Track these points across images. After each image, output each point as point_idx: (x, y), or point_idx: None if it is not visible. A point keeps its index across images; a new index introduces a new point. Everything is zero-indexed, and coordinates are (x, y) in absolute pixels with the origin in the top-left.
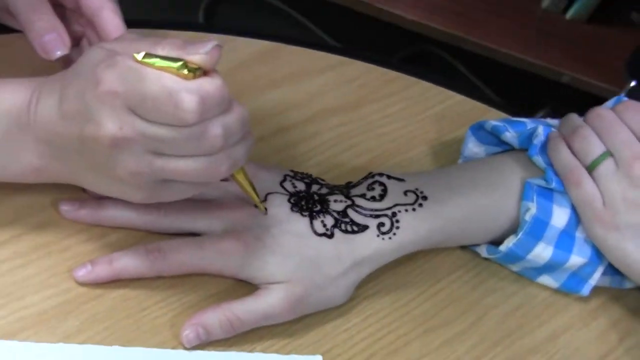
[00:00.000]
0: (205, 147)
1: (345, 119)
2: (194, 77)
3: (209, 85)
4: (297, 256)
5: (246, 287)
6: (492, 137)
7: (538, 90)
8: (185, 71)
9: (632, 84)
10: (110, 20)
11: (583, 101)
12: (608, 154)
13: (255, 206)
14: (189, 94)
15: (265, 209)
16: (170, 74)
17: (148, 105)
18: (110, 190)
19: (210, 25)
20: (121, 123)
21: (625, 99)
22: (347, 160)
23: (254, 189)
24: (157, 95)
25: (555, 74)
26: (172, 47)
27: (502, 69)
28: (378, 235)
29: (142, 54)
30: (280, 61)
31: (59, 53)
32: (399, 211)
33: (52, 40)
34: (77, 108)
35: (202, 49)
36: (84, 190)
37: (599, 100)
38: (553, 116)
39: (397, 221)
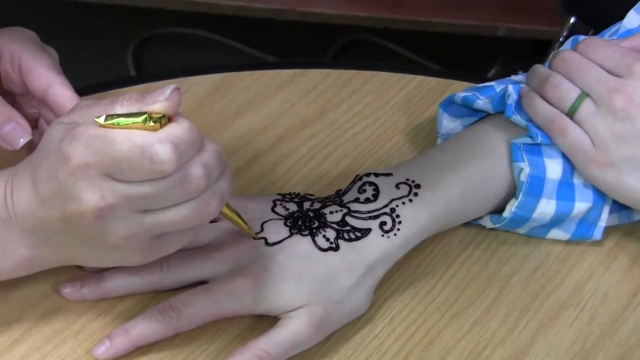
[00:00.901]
0: (190, 190)
1: (314, 130)
2: (161, 126)
3: (178, 130)
4: (309, 277)
5: (266, 320)
6: (465, 109)
7: (481, 51)
8: (151, 123)
9: (572, 20)
10: (61, 93)
11: (530, 49)
12: (584, 95)
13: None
14: (161, 144)
15: (255, 233)
16: (136, 129)
17: (123, 166)
18: (107, 261)
19: (147, 74)
20: (102, 192)
21: (582, 37)
22: (327, 170)
23: (240, 217)
24: (129, 155)
25: (491, 29)
26: (130, 102)
27: (437, 39)
28: (382, 235)
29: (103, 117)
30: (235, 90)
31: (22, 141)
32: (397, 206)
33: (12, 130)
34: (53, 190)
35: (161, 96)
36: (79, 267)
37: (545, 44)
38: (505, 74)
39: (398, 216)
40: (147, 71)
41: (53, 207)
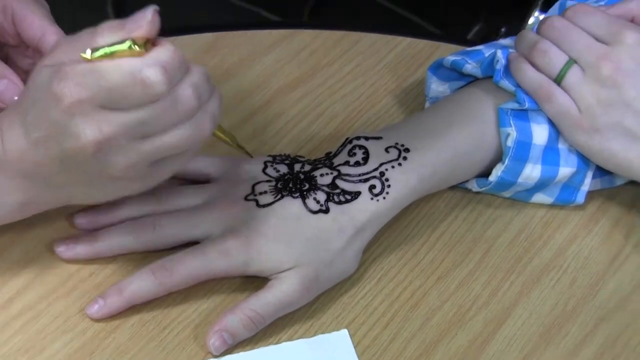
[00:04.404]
0: (183, 111)
1: (305, 91)
2: (147, 51)
3: (164, 52)
4: (300, 239)
5: (256, 280)
6: (453, 73)
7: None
8: (137, 48)
9: None
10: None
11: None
12: (572, 61)
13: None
14: (150, 68)
15: (246, 195)
16: (123, 57)
17: (116, 96)
18: (106, 194)
19: None
20: (98, 124)
21: (570, 1)
22: (317, 130)
23: (235, 139)
24: (121, 83)
25: None
26: (111, 31)
27: None
28: (372, 198)
29: (89, 51)
30: (226, 50)
31: (16, 99)
32: (386, 169)
33: (5, 88)
34: (48, 132)
35: (142, 20)
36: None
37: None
38: (489, 30)
39: (387, 180)
40: None
41: (49, 149)
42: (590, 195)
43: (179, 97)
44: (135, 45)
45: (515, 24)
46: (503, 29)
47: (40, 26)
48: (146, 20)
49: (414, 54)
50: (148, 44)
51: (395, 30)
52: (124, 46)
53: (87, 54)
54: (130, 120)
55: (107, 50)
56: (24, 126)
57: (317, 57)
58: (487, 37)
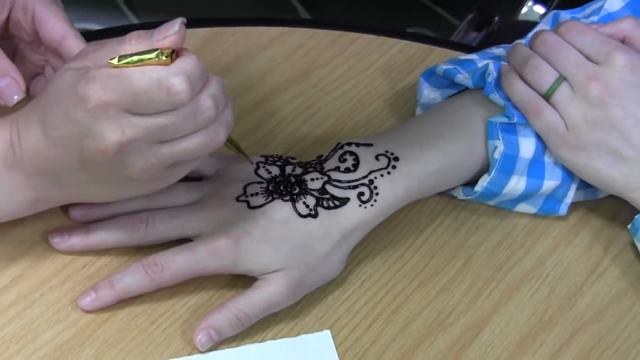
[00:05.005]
0: (202, 120)
1: (298, 90)
2: (172, 61)
3: (188, 63)
4: (288, 242)
5: (243, 278)
6: (446, 80)
7: None
8: (163, 57)
9: None
10: (77, 45)
11: None
12: (562, 79)
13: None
14: (176, 76)
15: (237, 196)
16: (150, 65)
17: (142, 101)
18: (118, 193)
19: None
20: (122, 127)
21: (563, 14)
22: (309, 131)
23: (239, 146)
24: (147, 88)
25: None
26: (139, 40)
27: None
28: (360, 205)
29: (116, 58)
30: (223, 46)
31: (16, 98)
32: (375, 177)
33: (7, 86)
34: (68, 132)
35: (170, 30)
36: (68, 217)
37: None
38: (482, 17)
39: (375, 188)
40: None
41: (68, 148)
42: (573, 205)
43: (200, 106)
44: (162, 55)
45: (508, 13)
46: (496, 18)
47: (61, 29)
48: (174, 31)
49: (407, 57)
50: (173, 53)
51: (390, 33)
52: (152, 55)
53: (115, 61)
54: (152, 125)
55: (135, 58)
56: (43, 125)
57: (312, 56)
58: (480, 26)
